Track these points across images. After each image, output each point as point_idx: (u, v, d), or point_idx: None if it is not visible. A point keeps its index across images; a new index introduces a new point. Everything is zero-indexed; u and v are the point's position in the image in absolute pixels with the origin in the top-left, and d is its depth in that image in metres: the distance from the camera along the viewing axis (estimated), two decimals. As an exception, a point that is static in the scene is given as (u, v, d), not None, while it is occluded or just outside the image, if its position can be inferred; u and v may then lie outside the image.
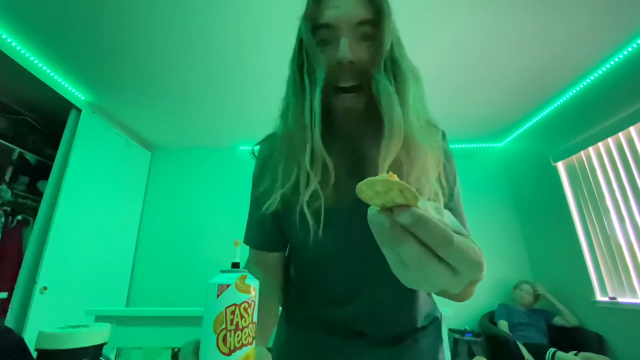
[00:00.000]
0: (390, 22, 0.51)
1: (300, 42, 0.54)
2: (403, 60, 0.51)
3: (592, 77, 2.35)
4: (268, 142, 0.64)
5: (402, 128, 0.46)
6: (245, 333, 0.35)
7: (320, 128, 0.48)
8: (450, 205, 0.58)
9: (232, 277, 0.36)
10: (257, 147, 0.67)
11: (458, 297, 0.50)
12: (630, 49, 2.07)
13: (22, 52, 2.03)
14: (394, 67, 0.50)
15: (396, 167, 0.47)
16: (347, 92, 0.50)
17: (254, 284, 0.38)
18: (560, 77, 2.39)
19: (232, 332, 0.34)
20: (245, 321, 0.35)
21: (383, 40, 0.49)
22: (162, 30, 1.90)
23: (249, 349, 0.36)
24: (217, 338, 0.33)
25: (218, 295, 0.34)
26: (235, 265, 0.39)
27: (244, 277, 0.37)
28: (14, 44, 1.96)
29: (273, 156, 0.57)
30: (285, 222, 0.59)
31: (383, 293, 0.58)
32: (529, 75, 2.36)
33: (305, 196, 0.49)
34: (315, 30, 0.52)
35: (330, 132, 0.51)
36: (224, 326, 0.34)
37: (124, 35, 1.93)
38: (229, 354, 0.34)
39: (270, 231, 0.62)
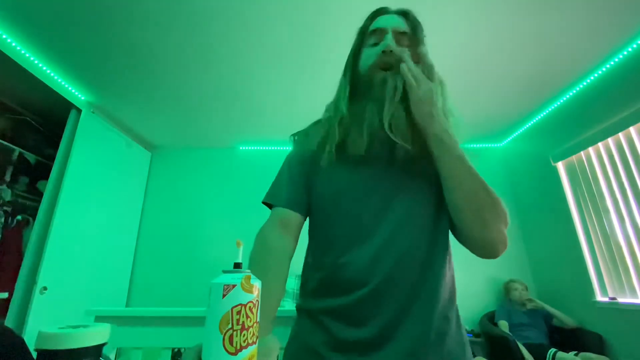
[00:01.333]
0: (423, 35, 0.72)
1: (357, 44, 0.75)
2: (433, 67, 0.67)
3: (592, 77, 2.35)
4: (312, 126, 0.78)
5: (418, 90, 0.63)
6: (250, 332, 0.36)
7: (348, 97, 0.69)
8: None
9: (237, 277, 0.36)
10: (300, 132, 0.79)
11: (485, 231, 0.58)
12: (630, 49, 2.07)
13: (22, 52, 2.03)
14: (430, 70, 0.65)
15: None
16: (384, 70, 0.67)
17: (257, 284, 0.38)
18: (560, 77, 2.39)
19: (239, 331, 0.34)
20: (251, 321, 0.36)
21: (418, 46, 0.68)
22: (162, 30, 1.90)
23: (253, 348, 0.36)
24: (224, 338, 0.34)
25: (224, 296, 0.35)
26: (238, 265, 0.39)
27: (249, 277, 0.37)
28: (14, 44, 1.96)
29: (319, 128, 0.72)
30: (319, 176, 0.68)
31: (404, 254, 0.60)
32: (529, 76, 2.36)
33: (336, 136, 0.65)
34: (368, 35, 0.72)
35: (370, 97, 0.66)
36: (230, 326, 0.34)
37: (123, 35, 1.93)
38: (235, 354, 0.34)
39: (300, 191, 0.68)
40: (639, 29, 1.93)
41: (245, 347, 0.35)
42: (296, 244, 0.67)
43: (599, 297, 2.39)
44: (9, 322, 2.01)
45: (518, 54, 2.13)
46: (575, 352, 2.21)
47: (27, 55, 2.05)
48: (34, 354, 0.41)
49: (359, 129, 0.63)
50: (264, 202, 0.71)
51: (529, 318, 2.56)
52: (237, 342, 0.34)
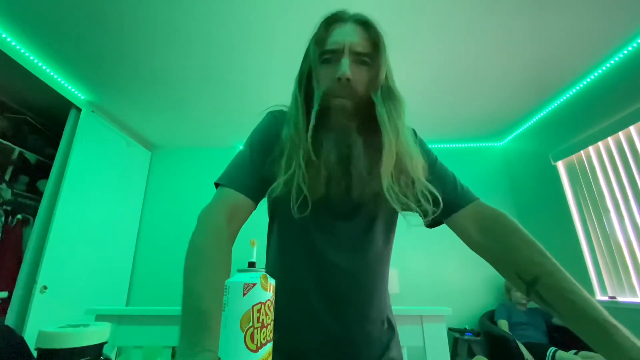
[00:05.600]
0: (385, 55, 0.62)
1: (306, 61, 0.66)
2: (396, 88, 0.63)
3: (592, 76, 2.35)
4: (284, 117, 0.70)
5: (396, 147, 0.59)
6: (268, 330, 0.36)
7: (311, 140, 0.59)
8: (438, 167, 0.68)
9: (255, 277, 0.36)
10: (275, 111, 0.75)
11: None
12: (630, 48, 2.06)
13: (22, 51, 2.02)
14: (390, 93, 0.62)
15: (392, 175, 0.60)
16: (341, 97, 0.60)
17: (272, 283, 0.39)
18: (560, 76, 2.39)
19: (259, 329, 0.35)
20: (269, 318, 0.36)
21: (379, 70, 0.61)
22: (162, 29, 1.90)
23: (271, 345, 0.37)
24: (245, 336, 0.34)
25: (244, 294, 0.35)
26: (252, 264, 0.39)
27: (266, 276, 0.38)
28: (13, 43, 1.96)
29: (281, 138, 0.64)
30: (281, 200, 0.64)
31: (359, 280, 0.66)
32: (530, 74, 2.36)
33: (294, 194, 0.59)
34: (322, 52, 0.63)
35: (326, 127, 0.61)
36: (251, 324, 0.34)
37: (123, 34, 1.93)
38: (256, 351, 0.34)
39: (259, 183, 0.64)
40: (638, 28, 1.93)
41: (265, 344, 0.35)
42: (238, 232, 0.63)
43: (599, 297, 2.39)
44: (9, 321, 2.01)
45: (518, 53, 2.13)
46: (575, 350, 2.21)
47: (27, 54, 2.05)
48: (35, 353, 0.41)
49: (317, 169, 0.59)
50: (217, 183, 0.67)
51: (529, 317, 2.56)
52: (257, 339, 0.34)
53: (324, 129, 0.61)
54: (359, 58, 0.60)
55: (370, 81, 0.61)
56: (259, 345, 0.34)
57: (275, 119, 0.71)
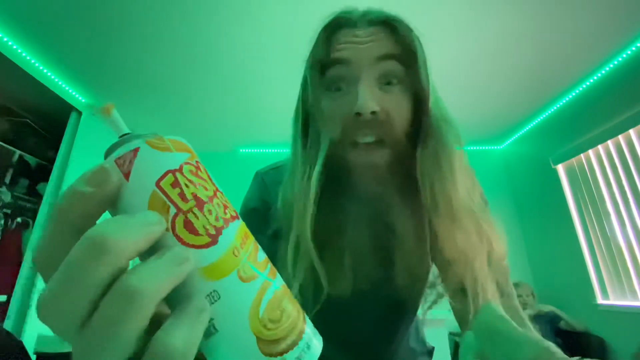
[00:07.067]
0: (425, 62, 0.43)
1: (304, 91, 0.44)
2: (444, 123, 0.43)
3: (592, 80, 2.36)
4: (281, 173, 0.50)
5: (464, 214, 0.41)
6: (219, 202, 0.20)
7: (315, 216, 0.39)
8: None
9: (136, 141, 0.20)
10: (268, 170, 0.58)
11: None
12: (630, 52, 2.07)
13: (23, 54, 2.03)
14: (433, 133, 0.41)
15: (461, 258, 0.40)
16: (364, 145, 0.40)
17: (183, 140, 0.22)
18: (560, 79, 2.39)
19: (196, 208, 0.18)
20: (206, 189, 0.20)
21: (420, 85, 0.41)
22: (163, 33, 1.90)
23: (239, 224, 0.21)
24: (174, 228, 0.18)
25: (127, 176, 0.18)
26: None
27: (160, 137, 0.20)
28: (15, 47, 1.97)
29: (276, 211, 0.45)
30: None
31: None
32: (530, 78, 2.36)
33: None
34: (324, 72, 0.42)
35: (348, 193, 0.41)
36: (174, 210, 0.18)
37: (125, 37, 1.93)
38: (214, 242, 0.18)
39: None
40: (638, 31, 1.93)
41: (229, 220, 0.20)
42: None
43: (600, 300, 2.38)
44: (8, 325, 2.00)
45: (518, 56, 2.14)
46: (579, 357, 2.19)
47: (27, 57, 2.06)
48: (33, 357, 0.41)
49: (335, 256, 0.40)
50: None
51: (535, 322, 2.53)
52: (202, 223, 0.18)
53: (342, 196, 0.41)
54: (383, 69, 0.40)
55: (408, 108, 0.41)
56: (210, 231, 0.18)
57: (263, 184, 0.53)
